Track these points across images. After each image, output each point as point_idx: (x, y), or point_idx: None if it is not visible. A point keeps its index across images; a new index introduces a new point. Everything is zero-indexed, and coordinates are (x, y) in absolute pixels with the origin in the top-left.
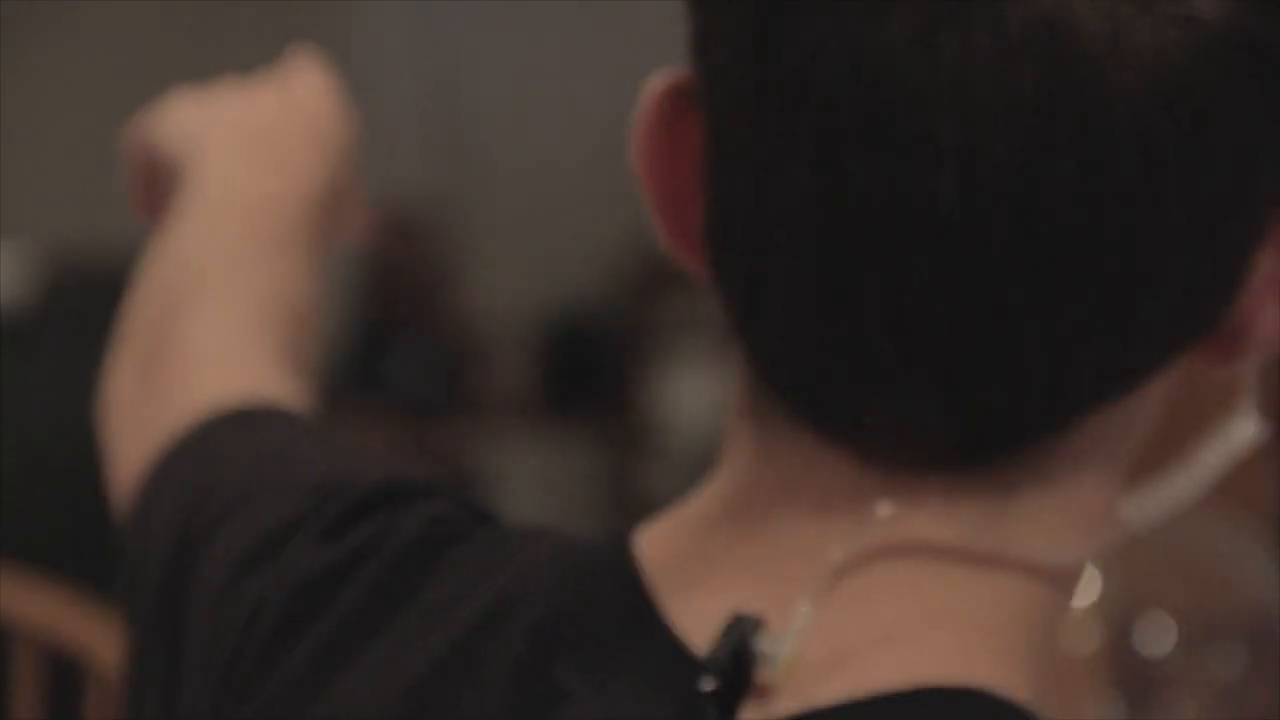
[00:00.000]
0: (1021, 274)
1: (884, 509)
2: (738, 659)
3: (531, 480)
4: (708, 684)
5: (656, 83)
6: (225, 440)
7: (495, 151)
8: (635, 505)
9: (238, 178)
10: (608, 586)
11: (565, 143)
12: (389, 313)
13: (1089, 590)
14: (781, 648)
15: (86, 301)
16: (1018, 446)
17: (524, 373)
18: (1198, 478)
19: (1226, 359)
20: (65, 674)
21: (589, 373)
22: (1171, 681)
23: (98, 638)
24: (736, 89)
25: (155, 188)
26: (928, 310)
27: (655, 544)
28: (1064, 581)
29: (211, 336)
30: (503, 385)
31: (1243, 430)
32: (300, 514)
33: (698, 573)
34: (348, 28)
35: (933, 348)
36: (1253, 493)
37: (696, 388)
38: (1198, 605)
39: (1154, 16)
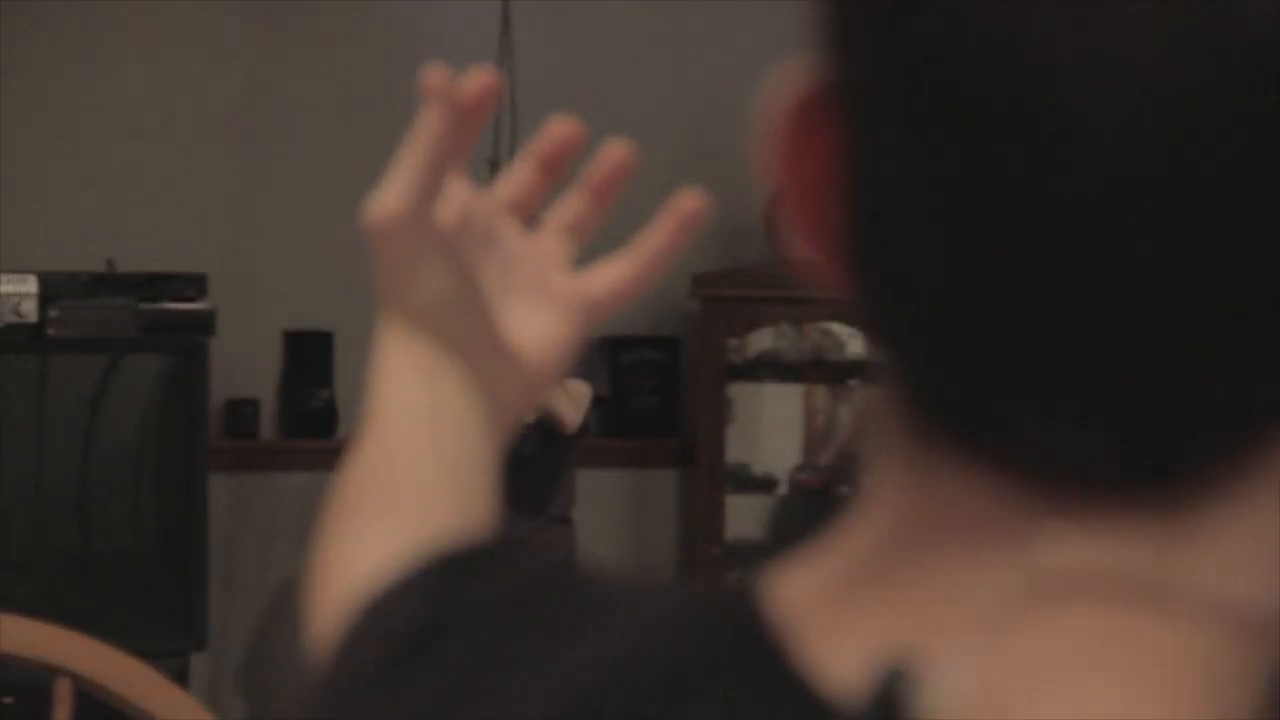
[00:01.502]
0: (1198, 275)
1: (1046, 541)
2: (886, 709)
3: (599, 511)
4: None
5: (782, 89)
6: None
7: None
8: (713, 540)
9: (437, 399)
10: (735, 638)
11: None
12: None
13: None
14: (934, 696)
15: None
16: (1197, 467)
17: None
18: None
19: None
20: None
21: (663, 399)
22: None
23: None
24: (877, 86)
25: None
26: (1095, 317)
27: (791, 589)
28: (1252, 624)
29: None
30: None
31: None
32: None
33: (842, 617)
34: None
35: (1101, 357)
36: None
37: (779, 416)
38: None
39: None
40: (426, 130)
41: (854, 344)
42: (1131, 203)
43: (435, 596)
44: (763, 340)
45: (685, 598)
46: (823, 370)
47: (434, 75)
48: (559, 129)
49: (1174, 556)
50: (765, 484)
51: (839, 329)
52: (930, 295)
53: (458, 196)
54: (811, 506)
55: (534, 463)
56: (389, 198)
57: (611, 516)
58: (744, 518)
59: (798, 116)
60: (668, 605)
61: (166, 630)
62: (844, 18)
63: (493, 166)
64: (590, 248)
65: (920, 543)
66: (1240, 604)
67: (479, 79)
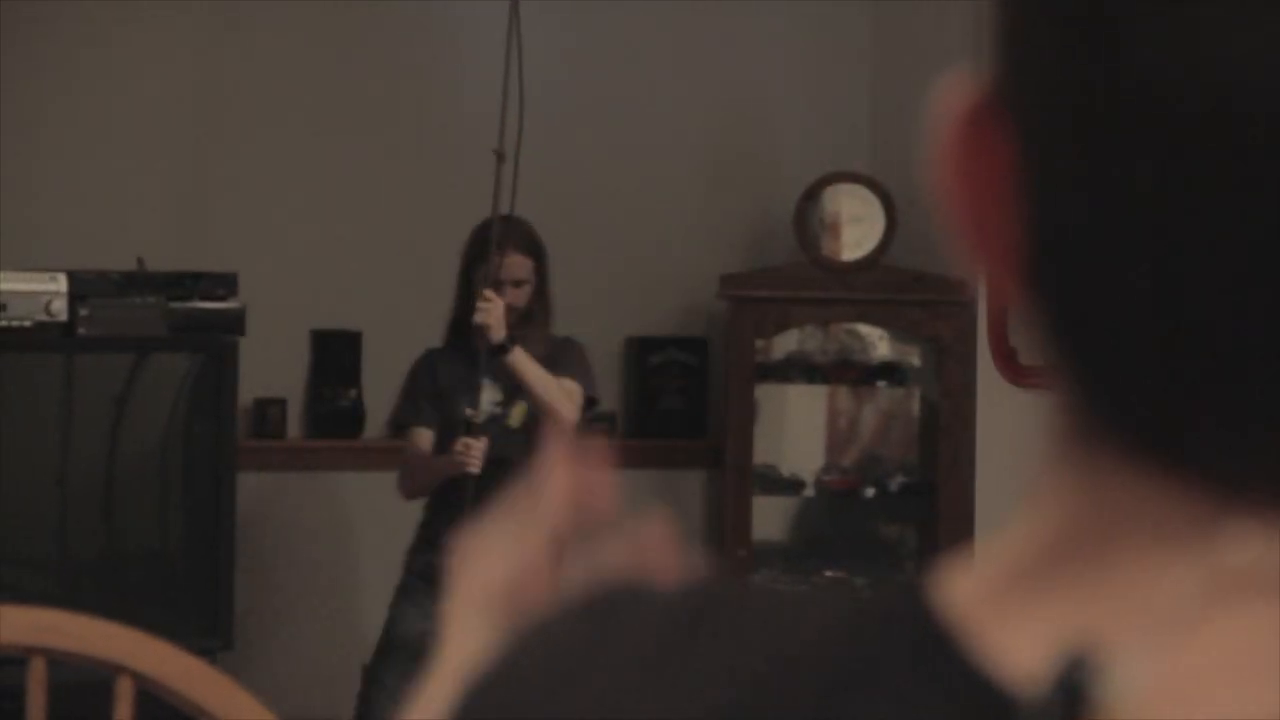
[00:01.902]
0: None
1: (1229, 541)
2: (1068, 698)
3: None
4: None
5: (953, 99)
6: None
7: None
8: (739, 541)
9: None
10: (908, 633)
11: (651, 164)
12: None
13: None
14: (1118, 686)
15: None
16: None
17: (617, 399)
18: None
19: None
20: None
21: (689, 400)
22: None
23: None
24: (1061, 100)
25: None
26: None
27: (962, 587)
28: None
29: None
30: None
31: None
32: None
33: (1018, 611)
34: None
35: None
36: None
37: (805, 418)
38: None
39: None
40: (549, 515)
41: (879, 346)
42: None
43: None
44: (789, 341)
45: (850, 600)
46: (847, 371)
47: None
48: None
49: None
50: (792, 485)
51: (864, 330)
52: (1118, 308)
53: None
54: (837, 508)
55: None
56: (498, 567)
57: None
58: (771, 519)
59: (968, 128)
60: (833, 607)
61: (192, 630)
62: (1021, 30)
63: (499, 157)
64: (623, 242)
65: (1095, 542)
66: None
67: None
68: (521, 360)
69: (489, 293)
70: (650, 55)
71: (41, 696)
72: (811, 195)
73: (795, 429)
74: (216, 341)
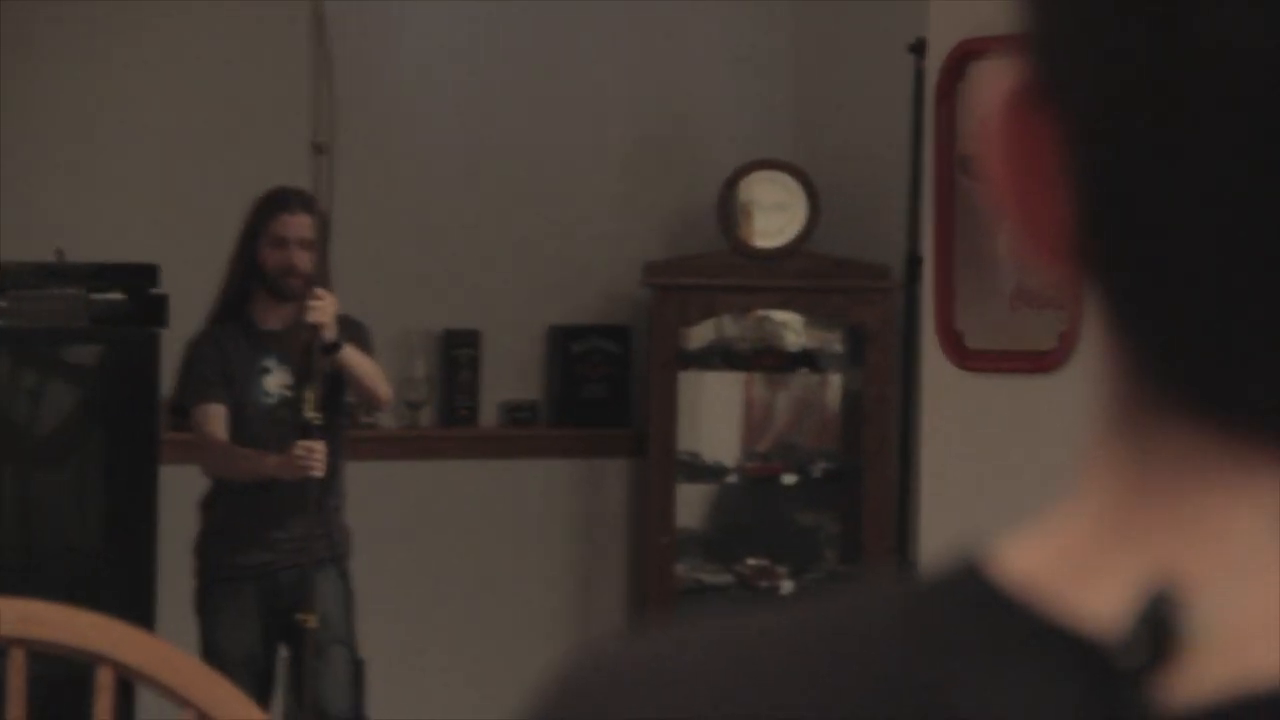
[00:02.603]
0: None
1: None
2: (1155, 634)
3: (548, 498)
4: (1123, 659)
5: (997, 86)
6: None
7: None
8: (660, 526)
9: None
10: (973, 593)
11: (578, 155)
12: None
13: None
14: (1208, 614)
15: None
16: None
17: (536, 390)
18: None
19: None
20: None
21: (611, 387)
22: None
23: None
24: (1113, 74)
25: None
26: None
27: (1024, 556)
28: None
29: None
30: (512, 403)
31: None
32: None
33: (1090, 569)
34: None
35: None
36: None
37: (726, 405)
38: None
39: None
40: None
41: (800, 333)
42: None
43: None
44: (711, 329)
45: (905, 585)
46: (769, 359)
47: None
48: None
49: None
50: (714, 472)
51: (786, 317)
52: (1177, 278)
53: None
54: (759, 495)
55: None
56: None
57: (562, 505)
58: (693, 506)
59: (1011, 114)
60: (888, 594)
61: None
62: (1061, 15)
63: (316, 149)
64: (545, 230)
65: (1160, 503)
66: None
67: None
68: (350, 354)
69: (322, 291)
70: (574, 43)
71: (22, 687)
72: (734, 183)
73: (717, 416)
74: (138, 333)
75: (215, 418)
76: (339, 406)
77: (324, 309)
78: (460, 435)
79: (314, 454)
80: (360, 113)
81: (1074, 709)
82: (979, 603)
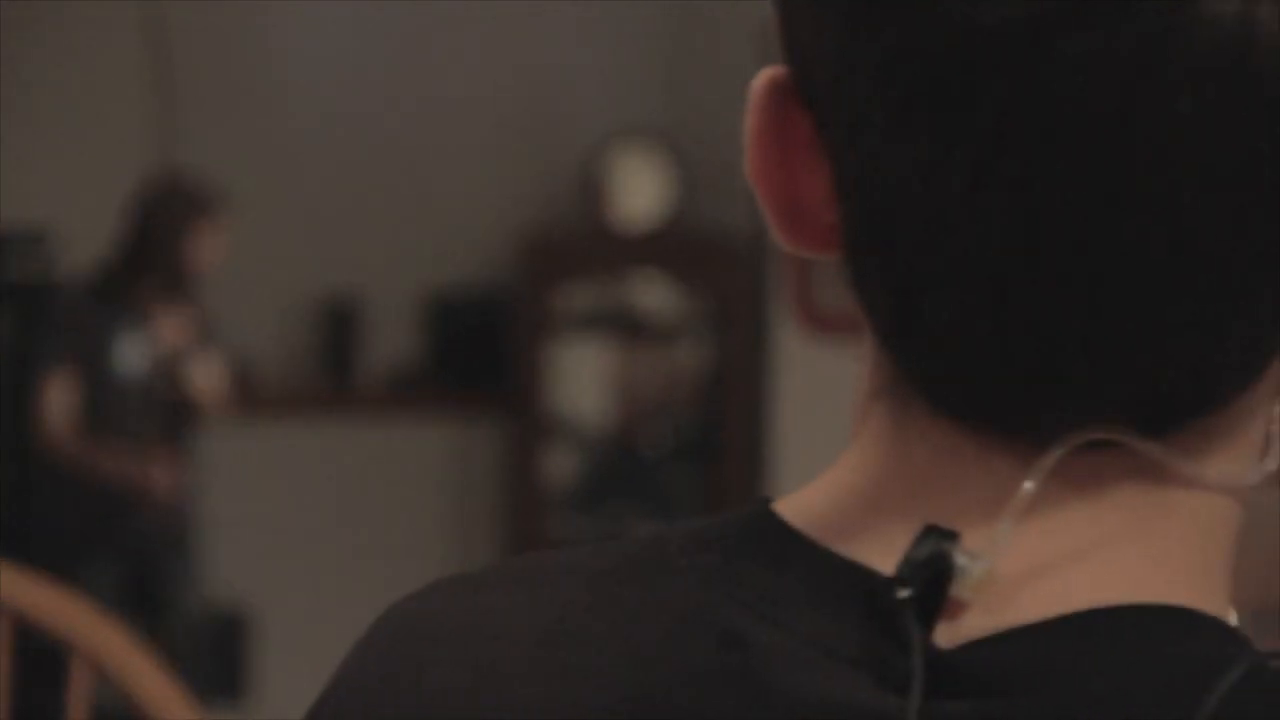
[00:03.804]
0: (1222, 271)
1: (1080, 439)
2: (931, 570)
3: (422, 462)
4: (902, 591)
5: (757, 83)
6: None
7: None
8: (529, 489)
9: None
10: (760, 539)
11: (452, 124)
12: None
13: None
14: (974, 561)
15: None
16: (1210, 410)
17: (413, 355)
18: None
19: None
20: None
21: (482, 355)
22: None
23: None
24: (840, 77)
25: None
26: (1120, 312)
27: (802, 507)
28: (1241, 492)
29: None
30: (390, 369)
31: None
32: None
33: (862, 523)
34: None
35: (1123, 348)
36: None
37: (591, 372)
38: (1267, 589)
39: None
40: None
41: (665, 302)
42: (1166, 200)
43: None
44: (579, 297)
45: (701, 527)
46: (635, 327)
47: None
48: None
49: (1186, 459)
50: (582, 438)
51: (651, 287)
52: (941, 290)
53: None
54: (625, 461)
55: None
56: None
57: (434, 467)
58: (562, 471)
59: (767, 106)
60: (685, 536)
61: None
62: (802, 15)
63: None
64: (421, 199)
65: (917, 466)
66: (1236, 486)
67: None
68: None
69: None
70: (446, 11)
71: None
72: (603, 152)
73: (585, 383)
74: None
75: (66, 390)
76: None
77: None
78: (339, 399)
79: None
80: (229, 89)
81: (856, 641)
82: (767, 544)
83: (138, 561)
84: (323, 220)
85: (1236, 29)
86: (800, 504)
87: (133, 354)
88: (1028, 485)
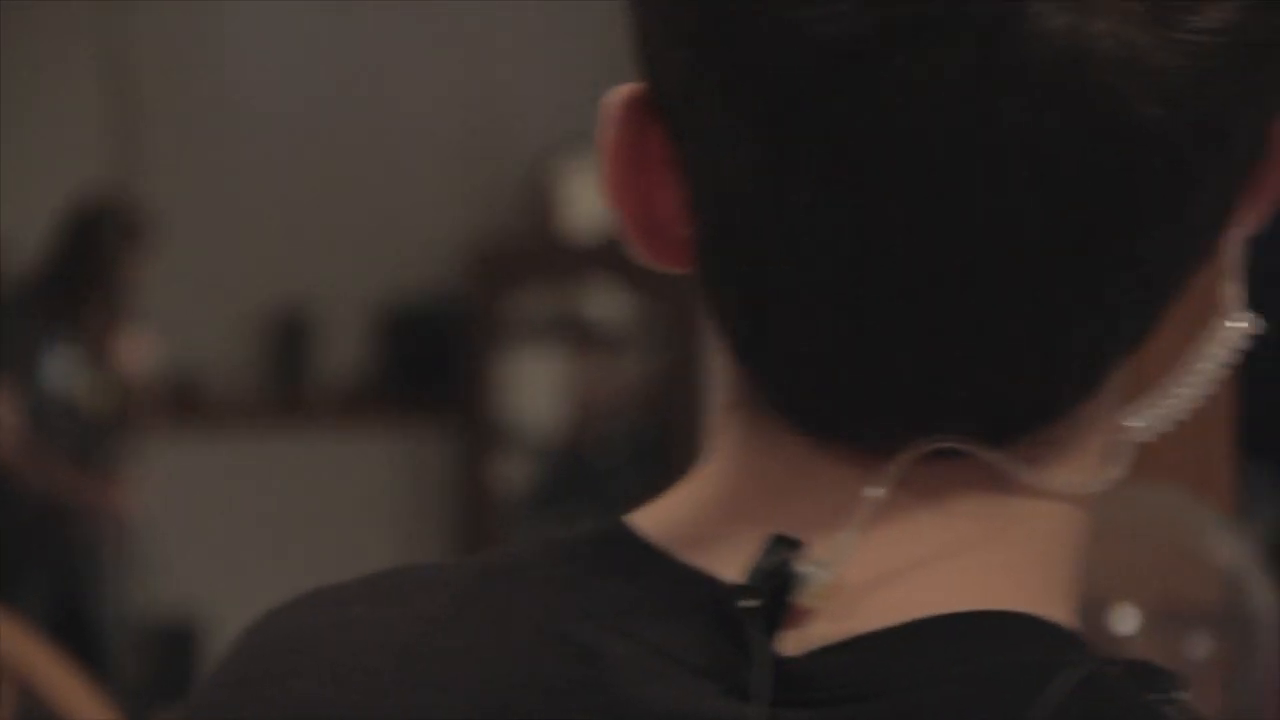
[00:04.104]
0: (1053, 286)
1: (923, 449)
2: (777, 579)
3: (373, 473)
4: (747, 601)
5: (613, 99)
6: None
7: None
8: (481, 498)
9: None
10: (614, 552)
11: (405, 133)
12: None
13: None
14: (820, 570)
15: None
16: (1053, 418)
17: (363, 365)
18: (1202, 383)
19: (1213, 265)
20: None
21: (432, 365)
22: None
23: None
24: (719, 118)
25: None
26: (979, 320)
27: (655, 519)
28: (1088, 503)
29: None
30: (341, 379)
31: (1238, 329)
32: None
33: (713, 534)
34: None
35: (979, 353)
36: (1210, 477)
37: (543, 381)
38: (1166, 589)
39: (1165, 37)
40: None
41: (616, 311)
42: (999, 221)
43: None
44: (528, 304)
45: (557, 542)
46: (585, 336)
47: None
48: None
49: (1026, 469)
50: (533, 447)
51: (601, 296)
52: (788, 307)
53: None
54: (576, 469)
55: None
56: None
57: (386, 477)
58: (512, 480)
59: (624, 122)
60: (542, 552)
61: None
62: (654, 31)
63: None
64: (373, 209)
65: (768, 478)
66: (1080, 493)
67: None
68: None
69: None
70: (400, 24)
71: None
72: (551, 162)
73: (536, 391)
74: None
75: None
76: None
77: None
78: (290, 410)
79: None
80: (183, 99)
81: (705, 650)
82: (620, 556)
83: (72, 577)
84: (273, 231)
85: (1068, 44)
86: (655, 516)
87: (64, 369)
88: (870, 493)
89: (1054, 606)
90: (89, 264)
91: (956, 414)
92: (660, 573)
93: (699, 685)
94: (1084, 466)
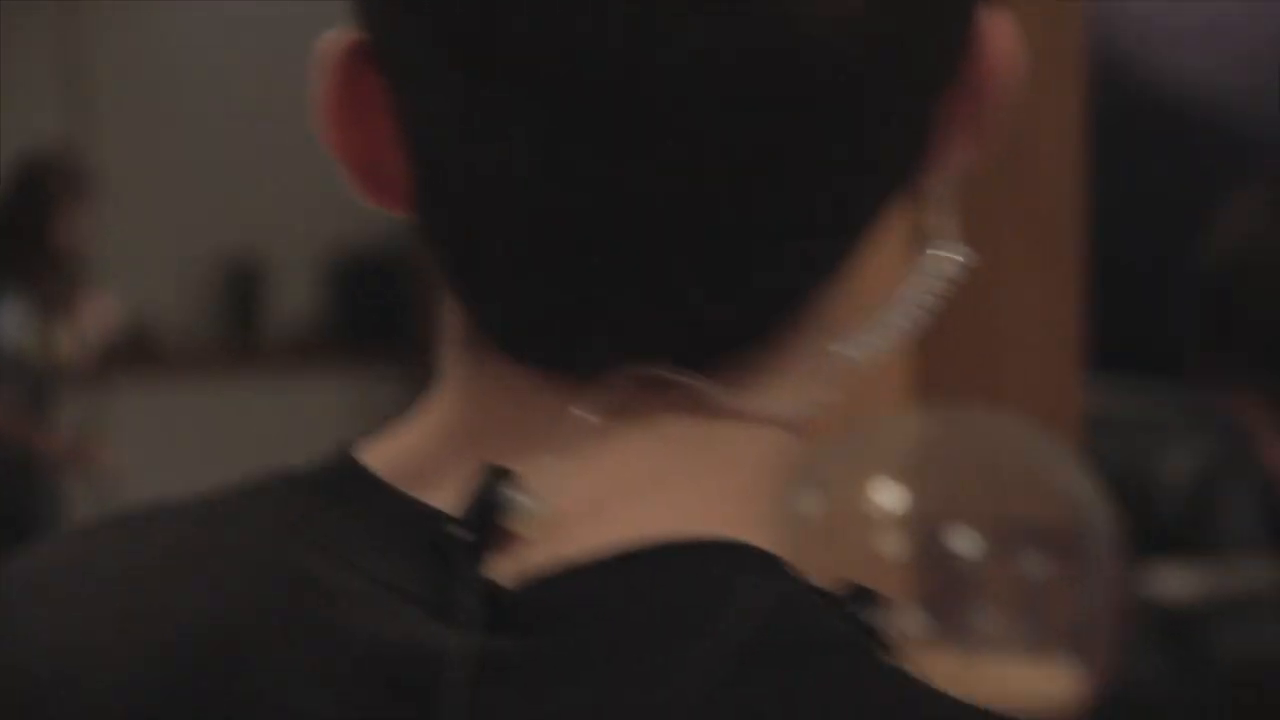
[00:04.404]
0: (742, 205)
1: (626, 377)
2: (489, 509)
3: (326, 417)
4: (460, 533)
5: (329, 45)
6: None
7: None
8: None
9: None
10: (343, 486)
11: None
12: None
13: (899, 501)
14: (533, 500)
15: None
16: (745, 342)
17: (317, 312)
18: (910, 312)
19: (922, 196)
20: None
21: (383, 310)
22: (980, 586)
23: None
24: (425, 60)
25: None
26: (657, 250)
27: (383, 451)
28: (795, 426)
29: None
30: (294, 326)
31: (950, 259)
32: None
33: (435, 467)
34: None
35: (663, 281)
36: (1058, 407)
37: None
38: (1004, 512)
39: None
40: None
41: None
42: (686, 159)
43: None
44: None
45: (286, 475)
46: None
47: None
48: None
49: (731, 394)
50: None
51: None
52: (496, 246)
53: None
54: None
55: None
56: None
57: (339, 423)
58: None
59: (342, 67)
60: (272, 484)
61: None
62: None
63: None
64: (313, 155)
65: (487, 412)
66: (784, 417)
67: None
68: None
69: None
70: None
71: None
72: None
73: None
74: None
75: None
76: None
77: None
78: (243, 357)
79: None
80: (132, 50)
81: (422, 580)
82: (346, 488)
83: (33, 526)
84: (226, 180)
85: (776, 23)
86: (384, 449)
87: (14, 322)
88: (577, 416)
89: (754, 531)
90: (34, 219)
91: (658, 339)
92: (383, 505)
93: (415, 614)
94: (789, 391)
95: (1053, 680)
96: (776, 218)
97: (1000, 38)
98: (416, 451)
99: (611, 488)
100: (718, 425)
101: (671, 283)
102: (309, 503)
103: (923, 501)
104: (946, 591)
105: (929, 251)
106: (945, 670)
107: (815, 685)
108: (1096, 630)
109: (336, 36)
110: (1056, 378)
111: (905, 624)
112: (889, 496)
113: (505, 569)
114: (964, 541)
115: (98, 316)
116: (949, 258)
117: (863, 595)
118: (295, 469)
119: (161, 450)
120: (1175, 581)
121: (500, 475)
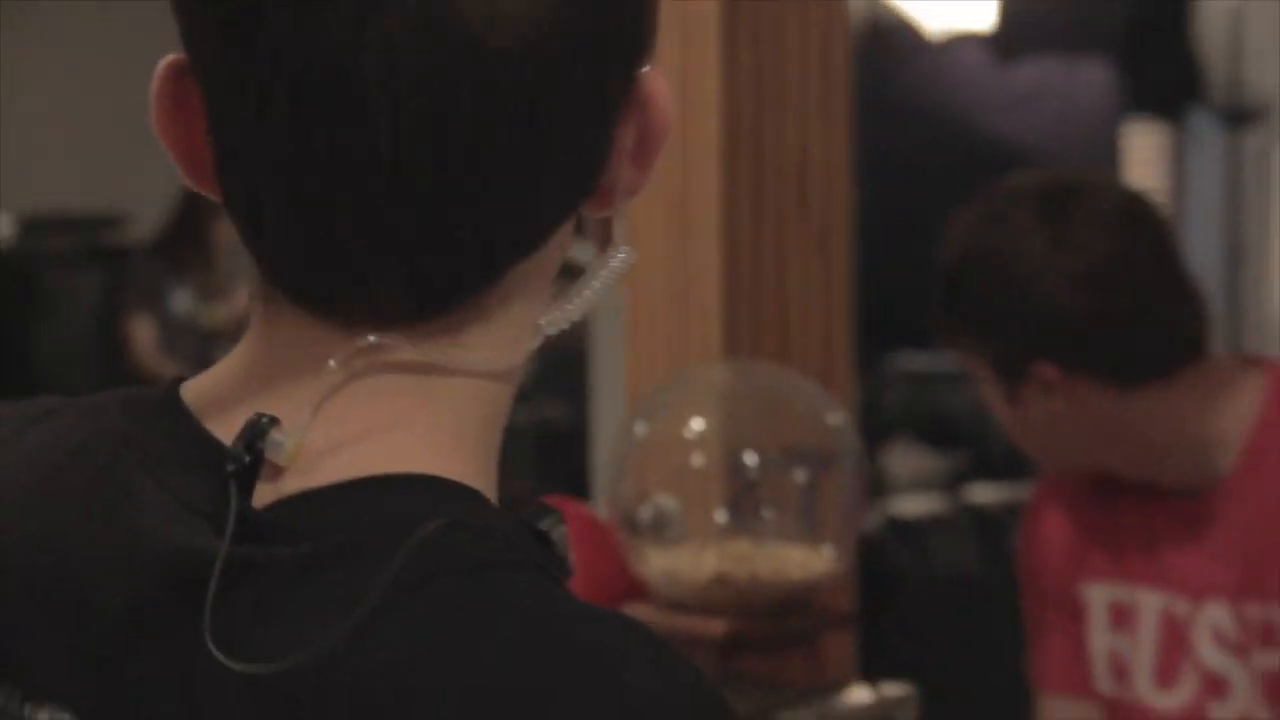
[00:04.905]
0: (448, 185)
1: (366, 340)
2: (254, 446)
3: None
4: (230, 465)
5: (163, 62)
6: None
7: None
8: None
9: None
10: (163, 412)
11: None
12: None
13: (709, 428)
14: (289, 438)
15: None
16: (460, 300)
17: None
18: (594, 293)
19: (604, 207)
20: None
21: None
22: (766, 491)
23: None
24: (220, 69)
25: None
26: (383, 218)
27: (199, 387)
28: (503, 379)
29: None
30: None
31: (622, 257)
32: None
33: (228, 404)
34: None
35: (389, 243)
36: (830, 362)
37: None
38: (782, 436)
39: None
40: None
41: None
42: (405, 143)
43: None
44: None
45: (123, 392)
46: None
47: None
48: None
49: (452, 351)
50: None
51: None
52: (271, 213)
53: None
54: None
55: None
56: None
57: None
58: None
59: (170, 80)
60: (96, 408)
61: None
62: (188, 14)
63: None
64: None
65: (275, 355)
66: (494, 371)
67: None
68: None
69: None
70: None
71: None
72: None
73: None
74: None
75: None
76: None
77: None
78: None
79: None
80: None
81: (209, 499)
82: (164, 414)
83: None
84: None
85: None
86: (200, 383)
87: (184, 300)
88: (325, 375)
89: (461, 466)
90: (199, 224)
91: (387, 301)
92: (188, 433)
93: (200, 525)
94: (499, 346)
95: (819, 560)
96: (460, 207)
97: (658, 93)
98: (219, 388)
99: (350, 430)
100: (438, 379)
101: (388, 254)
102: (134, 422)
103: (726, 429)
104: (742, 495)
105: (608, 250)
106: (741, 552)
107: (465, 596)
108: (847, 524)
109: (168, 58)
110: (829, 339)
111: (715, 519)
112: (701, 425)
113: (266, 493)
114: (755, 459)
115: (246, 298)
116: (620, 256)
117: (544, 511)
118: (131, 391)
119: None
120: (986, 493)
121: (268, 418)
